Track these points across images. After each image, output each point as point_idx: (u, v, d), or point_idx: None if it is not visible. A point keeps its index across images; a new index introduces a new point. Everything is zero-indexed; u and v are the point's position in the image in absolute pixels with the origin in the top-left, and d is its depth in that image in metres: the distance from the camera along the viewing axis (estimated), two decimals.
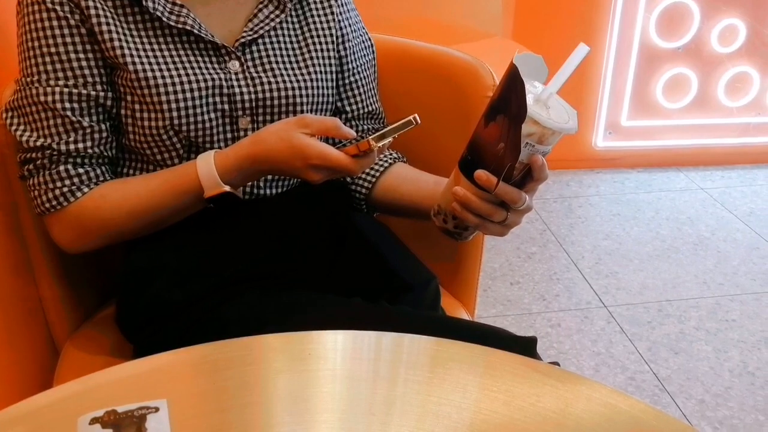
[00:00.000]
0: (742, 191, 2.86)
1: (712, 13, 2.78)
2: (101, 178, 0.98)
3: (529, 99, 0.81)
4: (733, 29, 2.81)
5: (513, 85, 0.79)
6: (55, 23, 0.93)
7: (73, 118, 0.95)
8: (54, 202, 0.96)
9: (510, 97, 0.80)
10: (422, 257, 1.11)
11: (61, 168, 0.95)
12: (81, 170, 0.96)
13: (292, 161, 0.91)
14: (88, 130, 0.96)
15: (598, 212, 2.71)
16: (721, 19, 2.79)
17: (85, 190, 0.97)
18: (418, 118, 0.86)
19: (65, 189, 0.96)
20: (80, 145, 0.96)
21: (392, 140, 0.89)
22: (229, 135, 1.02)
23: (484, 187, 0.85)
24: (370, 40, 1.16)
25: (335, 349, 0.80)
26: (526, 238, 2.51)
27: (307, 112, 1.06)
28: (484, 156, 0.85)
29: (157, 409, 0.66)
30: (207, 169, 0.94)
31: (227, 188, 0.94)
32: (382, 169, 1.12)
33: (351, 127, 1.14)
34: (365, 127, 1.15)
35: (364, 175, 1.13)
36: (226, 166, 0.94)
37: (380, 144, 0.88)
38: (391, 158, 1.14)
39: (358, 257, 0.98)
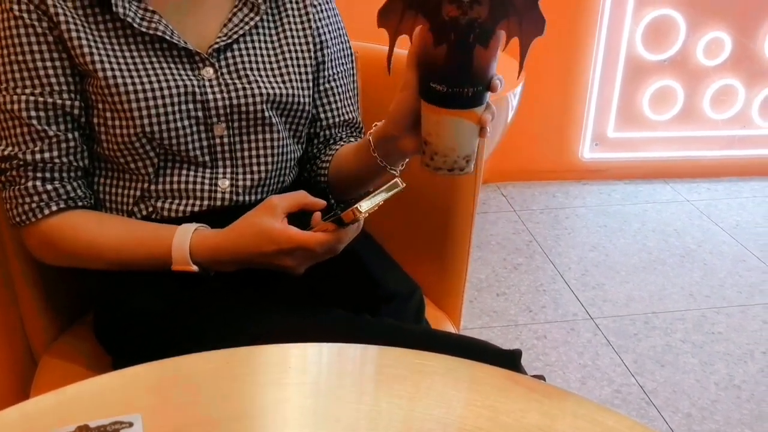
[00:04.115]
0: (728, 203, 2.87)
1: (698, 26, 2.79)
2: (72, 194, 0.98)
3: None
4: (718, 42, 2.83)
5: None
6: (22, 31, 0.93)
7: (39, 127, 0.94)
8: (24, 217, 0.97)
9: None
10: (406, 267, 1.10)
11: (30, 184, 0.95)
12: (49, 186, 0.96)
13: (262, 247, 0.92)
14: (54, 140, 0.95)
15: (584, 224, 2.70)
16: (706, 32, 2.80)
17: (54, 207, 0.96)
18: (401, 181, 0.87)
19: (33, 205, 0.96)
20: (46, 155, 0.95)
21: (378, 205, 0.87)
22: (204, 142, 1.00)
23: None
24: (351, 48, 1.15)
25: (317, 363, 0.79)
26: (512, 249, 2.51)
27: (283, 118, 1.05)
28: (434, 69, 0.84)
29: (131, 424, 0.65)
30: (181, 244, 0.94)
31: (195, 268, 0.95)
32: (329, 157, 1.11)
33: (327, 135, 1.13)
34: (342, 134, 1.14)
35: (320, 163, 1.12)
36: (201, 248, 0.94)
37: (366, 210, 0.87)
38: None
39: (340, 266, 0.97)
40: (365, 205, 0.86)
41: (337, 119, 1.13)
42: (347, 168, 1.07)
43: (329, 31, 1.10)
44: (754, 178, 3.07)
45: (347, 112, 1.14)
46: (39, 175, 0.96)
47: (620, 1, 2.71)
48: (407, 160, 1.01)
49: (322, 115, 1.12)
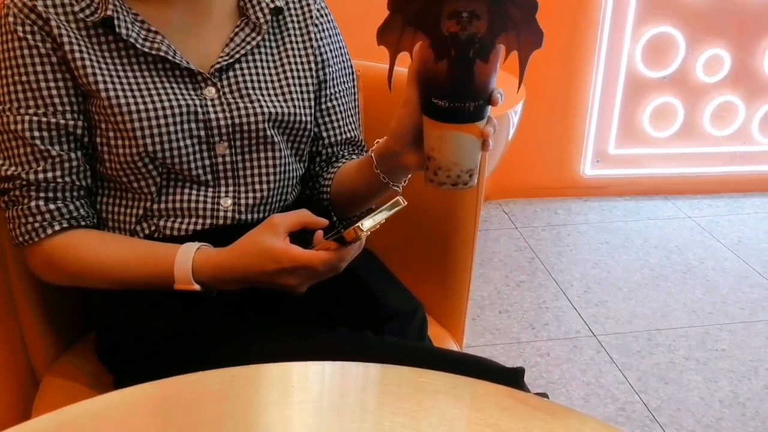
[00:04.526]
0: (730, 220, 2.87)
1: (697, 44, 2.81)
2: (75, 214, 0.98)
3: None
4: (718, 59, 2.84)
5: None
6: (26, 52, 0.93)
7: (42, 147, 0.94)
8: (26, 236, 0.97)
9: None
10: (409, 285, 1.09)
11: (33, 204, 0.96)
12: (52, 206, 0.96)
13: (264, 265, 0.91)
14: (57, 159, 0.95)
15: (586, 240, 2.70)
16: (706, 49, 2.82)
17: (57, 227, 0.97)
18: (403, 200, 0.87)
19: (36, 224, 0.96)
20: (49, 174, 0.95)
21: (380, 224, 0.88)
22: (207, 161, 1.01)
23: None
24: (352, 67, 1.16)
25: (320, 381, 0.79)
26: (514, 266, 2.51)
27: (285, 137, 1.05)
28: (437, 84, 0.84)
29: None
30: (183, 263, 0.94)
31: (197, 287, 0.94)
32: (331, 175, 1.11)
33: (329, 153, 1.13)
34: (344, 153, 1.14)
35: (322, 181, 1.12)
36: (203, 267, 0.94)
37: (368, 229, 0.87)
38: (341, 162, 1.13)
39: (341, 285, 0.97)
40: (367, 224, 0.87)
41: (339, 137, 1.13)
42: (349, 185, 1.08)
43: (330, 50, 1.11)
44: (755, 193, 3.07)
45: (349, 131, 1.14)
46: (42, 194, 0.96)
47: (620, 18, 2.73)
48: (409, 176, 1.02)
49: (324, 134, 1.12)
